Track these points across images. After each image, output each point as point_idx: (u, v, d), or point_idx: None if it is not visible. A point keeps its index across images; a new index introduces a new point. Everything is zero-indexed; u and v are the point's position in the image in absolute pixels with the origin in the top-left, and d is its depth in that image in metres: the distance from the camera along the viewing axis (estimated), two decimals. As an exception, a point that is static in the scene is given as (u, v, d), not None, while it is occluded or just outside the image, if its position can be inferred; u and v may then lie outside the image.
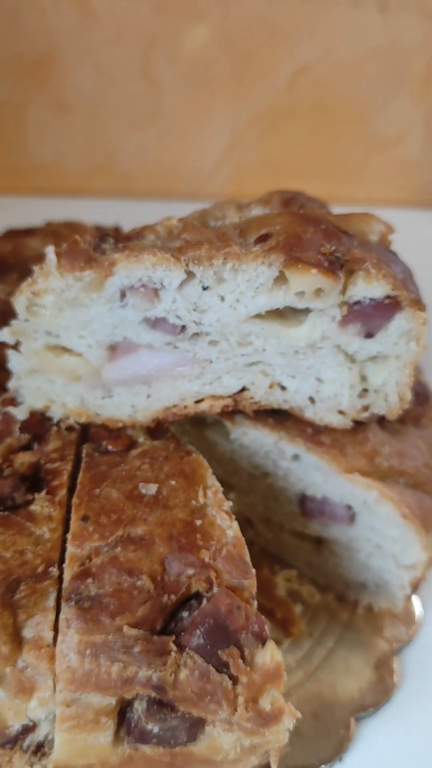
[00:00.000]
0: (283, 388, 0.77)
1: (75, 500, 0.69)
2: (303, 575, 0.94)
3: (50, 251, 0.70)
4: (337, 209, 0.82)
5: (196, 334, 0.73)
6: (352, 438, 0.80)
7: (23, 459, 0.73)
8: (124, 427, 0.79)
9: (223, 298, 0.69)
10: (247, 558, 0.67)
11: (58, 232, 1.12)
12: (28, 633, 0.63)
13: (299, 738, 0.76)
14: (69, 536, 0.66)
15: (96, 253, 0.70)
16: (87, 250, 0.70)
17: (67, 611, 0.62)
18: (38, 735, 0.65)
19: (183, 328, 0.72)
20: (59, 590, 0.64)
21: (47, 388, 0.78)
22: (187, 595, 0.65)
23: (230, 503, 0.70)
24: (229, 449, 0.87)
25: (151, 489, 0.70)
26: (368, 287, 0.68)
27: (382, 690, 0.82)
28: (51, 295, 0.71)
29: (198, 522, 0.68)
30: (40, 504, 0.69)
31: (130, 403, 0.78)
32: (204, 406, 0.78)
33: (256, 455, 0.85)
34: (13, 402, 0.79)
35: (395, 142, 1.79)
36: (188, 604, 0.65)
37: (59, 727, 0.62)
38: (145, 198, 1.76)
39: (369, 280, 0.67)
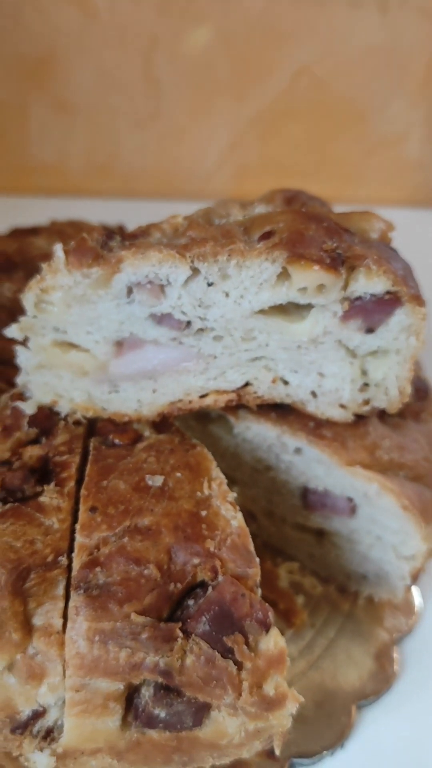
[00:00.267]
0: (285, 382, 0.78)
1: (83, 492, 0.70)
2: (305, 567, 0.95)
3: (58, 248, 0.72)
4: (337, 208, 0.84)
5: (201, 330, 0.74)
6: (353, 431, 0.81)
7: (32, 452, 0.74)
8: (130, 421, 0.80)
9: (227, 294, 0.71)
10: (251, 547, 0.68)
11: (63, 231, 1.14)
12: (38, 620, 0.65)
13: (302, 725, 0.77)
14: (77, 526, 0.68)
15: (103, 251, 0.71)
16: (94, 248, 0.71)
17: (76, 599, 0.64)
18: (48, 720, 0.67)
19: (188, 323, 0.73)
20: (68, 579, 0.66)
21: (55, 383, 0.79)
22: (193, 584, 0.66)
23: (234, 494, 0.72)
24: (233, 443, 0.89)
25: (158, 481, 0.71)
26: (369, 283, 0.69)
27: (382, 679, 0.83)
28: (59, 291, 0.73)
29: (203, 513, 0.69)
30: (49, 495, 0.70)
31: (136, 398, 0.79)
32: (208, 401, 0.79)
33: (258, 449, 0.87)
34: (21, 397, 0.81)
35: (395, 141, 1.80)
36: (194, 592, 0.66)
37: (68, 712, 0.64)
38: (147, 198, 1.77)
39: (370, 276, 0.69)
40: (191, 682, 0.63)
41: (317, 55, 1.67)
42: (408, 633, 0.89)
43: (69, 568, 0.66)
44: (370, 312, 0.72)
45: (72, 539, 0.68)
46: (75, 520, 0.69)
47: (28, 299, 0.74)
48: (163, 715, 0.65)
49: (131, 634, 0.63)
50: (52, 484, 0.71)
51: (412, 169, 1.85)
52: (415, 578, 0.86)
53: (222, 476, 0.73)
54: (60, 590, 0.65)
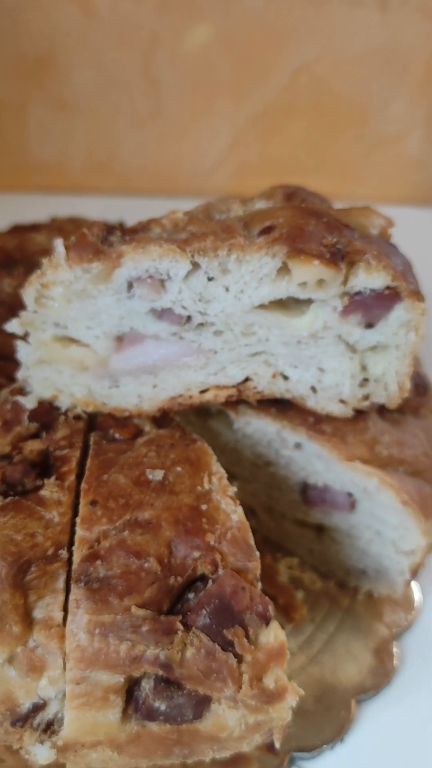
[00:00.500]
0: (285, 377, 0.79)
1: (83, 485, 0.71)
2: (304, 563, 0.96)
3: (59, 244, 0.72)
4: (337, 206, 0.84)
5: (201, 325, 0.75)
6: (353, 427, 0.81)
7: (32, 446, 0.75)
8: (130, 416, 0.81)
9: (227, 289, 0.71)
10: (251, 541, 0.68)
11: (63, 228, 1.14)
12: (38, 613, 0.65)
13: (302, 719, 0.77)
14: (78, 520, 0.68)
15: (103, 246, 0.72)
16: (95, 243, 0.72)
17: (77, 592, 0.64)
18: (48, 713, 0.67)
19: (188, 318, 0.74)
20: (69, 572, 0.66)
21: (55, 378, 0.80)
22: (193, 577, 0.66)
23: (234, 489, 0.72)
24: (233, 439, 0.89)
25: (158, 475, 0.71)
26: (369, 278, 0.70)
27: (382, 673, 0.84)
28: (59, 286, 0.73)
29: (203, 507, 0.70)
30: (49, 489, 0.70)
31: (136, 393, 0.80)
32: (209, 396, 0.80)
33: (258, 444, 0.87)
34: (21, 392, 0.81)
35: (395, 140, 1.80)
36: (194, 585, 0.66)
37: (69, 705, 0.64)
38: (146, 196, 1.78)
39: (369, 271, 0.69)
40: (191, 675, 0.64)
41: (317, 54, 1.67)
42: (407, 628, 0.89)
43: (69, 561, 0.67)
44: (370, 307, 0.72)
45: (72, 533, 0.68)
46: (75, 513, 0.70)
47: (28, 294, 0.74)
48: (163, 707, 0.65)
49: (132, 626, 0.63)
50: (52, 478, 0.72)
51: (412, 168, 1.86)
52: (414, 573, 0.86)
53: (222, 471, 0.74)
54: (60, 583, 0.66)
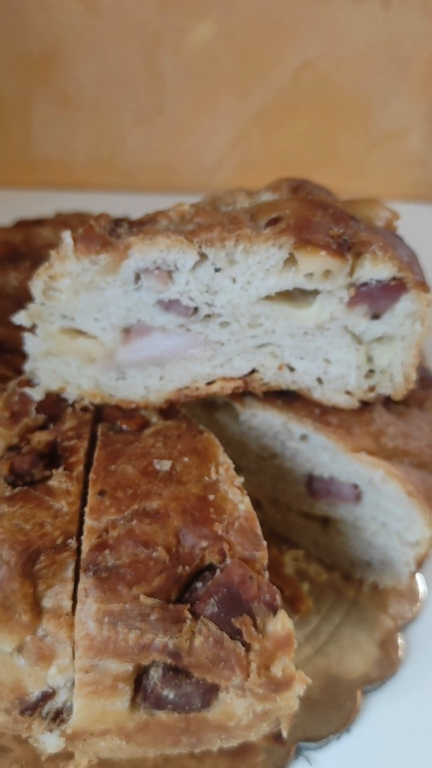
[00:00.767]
0: (291, 369, 0.79)
1: (92, 476, 0.71)
2: (310, 555, 0.96)
3: (67, 235, 0.72)
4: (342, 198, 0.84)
5: (208, 316, 0.75)
6: (359, 418, 0.82)
7: (40, 437, 0.75)
8: (137, 407, 0.81)
9: (234, 280, 0.71)
10: (259, 531, 0.69)
11: (68, 222, 1.14)
12: (47, 602, 0.66)
13: (308, 710, 0.77)
14: (86, 510, 0.68)
15: (111, 238, 0.72)
16: (102, 235, 0.72)
17: (86, 581, 0.64)
18: (57, 702, 0.67)
19: (195, 309, 0.74)
20: (77, 561, 0.67)
21: (62, 370, 0.80)
22: (201, 567, 0.67)
23: (242, 479, 0.72)
24: (239, 431, 0.90)
25: (165, 465, 0.72)
26: (375, 269, 0.70)
27: (387, 664, 0.84)
28: (67, 278, 0.73)
29: (211, 497, 0.70)
30: (57, 479, 0.71)
31: (143, 385, 0.80)
32: (215, 388, 0.80)
33: (264, 436, 0.88)
34: (29, 383, 0.81)
35: (397, 136, 1.81)
36: (202, 575, 0.67)
37: (78, 693, 0.65)
38: (150, 192, 1.78)
39: (376, 262, 0.70)
40: (200, 663, 0.64)
41: (320, 51, 1.68)
42: (413, 620, 0.89)
43: (78, 550, 0.67)
44: (376, 298, 0.72)
45: (81, 522, 0.69)
46: (83, 503, 0.70)
47: (36, 286, 0.74)
48: (171, 696, 0.66)
49: (140, 615, 0.63)
50: (60, 468, 0.72)
51: (414, 164, 1.86)
52: (419, 565, 0.86)
53: (229, 461, 0.74)
54: (69, 572, 0.66)
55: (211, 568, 0.67)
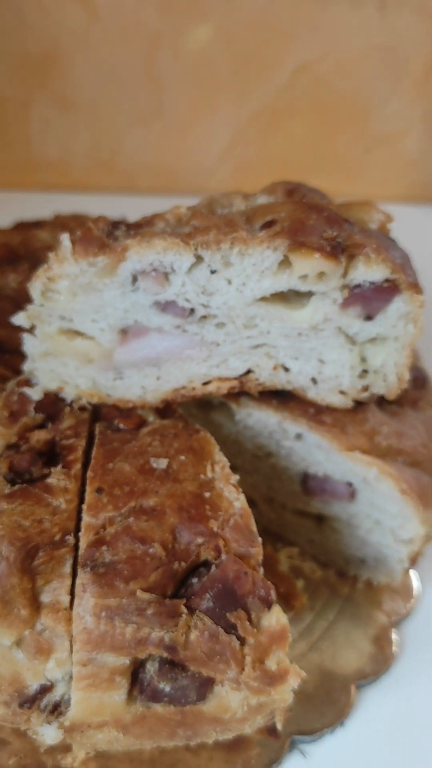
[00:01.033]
0: (286, 369, 0.80)
1: (89, 473, 0.72)
2: (304, 552, 0.97)
3: (65, 238, 0.74)
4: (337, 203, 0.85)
5: (204, 317, 0.76)
6: (353, 418, 0.83)
7: (39, 436, 0.76)
8: (134, 407, 0.82)
9: (230, 281, 0.73)
10: (254, 527, 0.70)
11: (66, 225, 1.16)
12: (45, 597, 0.67)
13: (302, 704, 0.79)
14: (84, 507, 0.70)
15: (109, 240, 0.73)
16: (100, 237, 0.73)
17: (83, 576, 0.65)
18: (55, 695, 0.69)
19: (192, 311, 0.75)
20: (75, 557, 0.68)
21: (60, 370, 0.81)
22: (197, 563, 0.68)
23: (237, 477, 0.74)
24: (234, 431, 0.91)
25: (162, 463, 0.73)
26: (368, 271, 0.71)
27: (381, 660, 0.85)
28: (65, 280, 0.74)
29: (207, 494, 0.71)
30: (56, 477, 0.72)
31: (140, 385, 0.81)
32: (211, 388, 0.81)
33: (260, 436, 0.89)
34: (28, 383, 0.83)
35: (395, 138, 1.82)
36: (198, 571, 0.68)
37: (76, 686, 0.66)
38: (148, 194, 1.79)
39: (369, 264, 0.71)
40: (195, 657, 0.65)
41: (317, 53, 1.69)
42: (406, 616, 0.90)
43: (76, 547, 0.68)
44: (369, 299, 0.74)
45: (79, 519, 0.70)
46: (81, 501, 0.71)
47: (35, 288, 0.76)
48: (167, 689, 0.67)
49: (137, 610, 0.65)
50: (59, 466, 0.73)
51: (412, 166, 1.87)
52: (413, 562, 0.87)
53: (225, 459, 0.75)
54: (67, 568, 0.67)
55: (207, 564, 0.68)
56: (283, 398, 0.85)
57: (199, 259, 0.71)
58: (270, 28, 1.64)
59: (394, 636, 0.87)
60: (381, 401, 0.86)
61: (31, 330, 0.80)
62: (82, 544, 0.67)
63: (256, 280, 0.72)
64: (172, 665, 0.66)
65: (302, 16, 1.63)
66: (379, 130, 1.80)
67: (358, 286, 0.73)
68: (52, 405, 0.81)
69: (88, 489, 0.71)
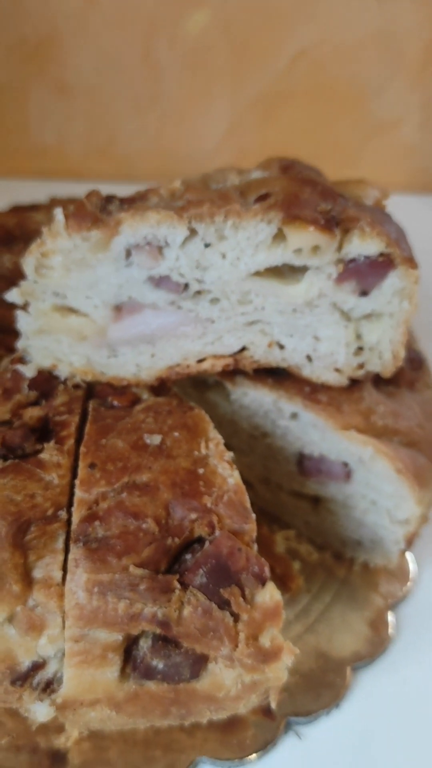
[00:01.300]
0: (281, 346, 0.80)
1: (82, 449, 0.72)
2: (301, 534, 0.97)
3: (58, 212, 0.73)
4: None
5: (199, 293, 0.76)
6: (348, 396, 0.82)
7: (32, 413, 0.76)
8: (128, 385, 0.82)
9: (224, 255, 0.72)
10: (248, 504, 0.70)
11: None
12: (38, 573, 0.66)
13: (298, 686, 0.78)
14: (77, 482, 0.69)
15: (102, 214, 0.73)
16: (93, 212, 0.73)
17: (76, 552, 0.65)
18: (47, 672, 0.68)
19: (186, 286, 0.75)
20: (68, 533, 0.67)
21: (54, 347, 0.81)
22: (190, 539, 0.67)
23: (231, 454, 0.73)
24: (229, 410, 0.90)
25: (156, 439, 0.73)
26: (363, 244, 0.71)
27: (377, 642, 0.84)
28: (59, 255, 0.74)
29: (200, 470, 0.71)
30: (49, 453, 0.72)
31: (134, 362, 0.81)
32: (206, 365, 0.81)
33: (255, 415, 0.88)
34: (22, 360, 0.82)
35: (393, 126, 1.81)
36: (191, 547, 0.67)
37: (68, 663, 0.65)
38: (146, 181, 1.78)
39: (364, 237, 0.70)
40: (189, 633, 0.65)
41: (316, 39, 1.68)
42: (403, 599, 0.90)
43: (68, 522, 0.68)
44: (364, 274, 0.73)
45: (71, 495, 0.69)
46: (74, 476, 0.71)
47: (28, 263, 0.75)
48: (161, 666, 0.66)
49: (130, 585, 0.64)
50: (51, 442, 0.73)
51: (410, 154, 1.86)
52: (409, 543, 0.87)
53: (219, 437, 0.75)
54: (60, 543, 0.67)
55: (200, 540, 0.67)
56: (278, 377, 0.84)
57: (193, 232, 0.71)
58: (268, 14, 1.63)
59: (390, 618, 0.87)
60: (377, 381, 0.85)
61: (24, 307, 0.79)
62: (75, 519, 0.67)
63: (250, 254, 0.72)
64: (166, 642, 0.66)
65: (300, 2, 1.62)
66: (376, 117, 1.80)
67: (352, 260, 0.72)
68: (46, 382, 0.81)
69: (81, 464, 0.70)
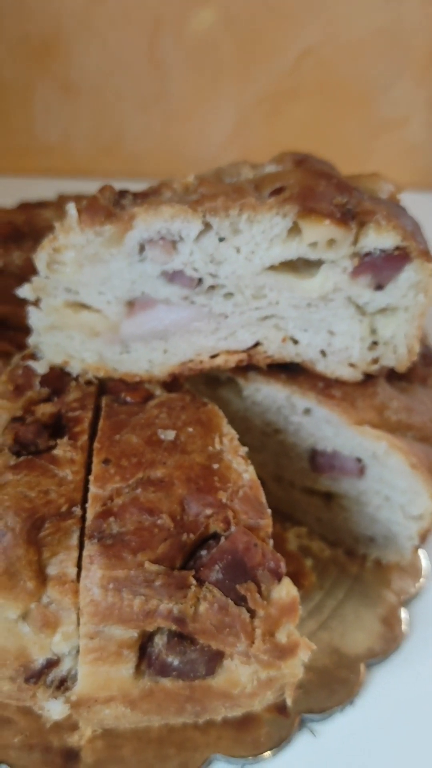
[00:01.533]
0: (295, 341, 0.79)
1: (96, 445, 0.71)
2: (313, 531, 0.96)
3: (71, 207, 0.72)
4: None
5: (212, 287, 0.75)
6: (362, 392, 0.82)
7: (44, 409, 0.75)
8: (141, 381, 0.81)
9: (238, 250, 0.71)
10: (263, 499, 0.69)
11: (71, 204, 1.14)
12: (52, 570, 0.66)
13: (312, 683, 0.78)
14: (91, 478, 0.69)
15: (115, 209, 0.72)
16: (107, 206, 0.72)
17: (90, 548, 0.64)
18: (61, 670, 0.68)
19: (200, 281, 0.74)
20: (82, 529, 0.67)
21: (66, 344, 0.80)
22: (206, 535, 0.67)
23: (246, 449, 0.73)
24: (242, 407, 0.90)
25: (170, 435, 0.72)
26: (379, 238, 0.70)
27: (390, 639, 0.84)
28: (71, 251, 0.73)
29: (215, 466, 0.70)
30: (62, 449, 0.71)
31: (147, 359, 0.80)
32: (219, 361, 0.80)
33: (268, 411, 0.88)
34: (33, 357, 0.81)
35: (399, 124, 1.81)
36: (206, 543, 0.67)
37: (83, 660, 0.65)
38: (152, 179, 1.77)
39: (379, 231, 0.70)
40: (204, 629, 0.64)
41: (322, 37, 1.68)
42: (416, 595, 0.89)
43: (83, 518, 0.67)
44: (380, 268, 0.72)
45: (85, 491, 0.69)
46: (88, 472, 0.70)
47: (40, 259, 0.75)
48: (176, 663, 0.66)
49: (145, 581, 0.63)
50: (65, 438, 0.72)
51: (416, 152, 1.86)
52: (423, 539, 0.86)
53: (233, 432, 0.74)
54: (74, 540, 0.66)
55: (216, 536, 0.67)
56: (291, 372, 0.83)
57: (207, 226, 0.70)
58: (274, 12, 1.63)
59: (403, 615, 0.86)
60: (390, 377, 0.85)
61: (36, 303, 0.78)
62: (89, 515, 0.66)
63: (265, 248, 0.71)
64: (181, 639, 0.65)
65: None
66: (383, 115, 1.79)
67: (368, 254, 0.72)
68: (58, 379, 0.80)
69: (95, 460, 0.70)
